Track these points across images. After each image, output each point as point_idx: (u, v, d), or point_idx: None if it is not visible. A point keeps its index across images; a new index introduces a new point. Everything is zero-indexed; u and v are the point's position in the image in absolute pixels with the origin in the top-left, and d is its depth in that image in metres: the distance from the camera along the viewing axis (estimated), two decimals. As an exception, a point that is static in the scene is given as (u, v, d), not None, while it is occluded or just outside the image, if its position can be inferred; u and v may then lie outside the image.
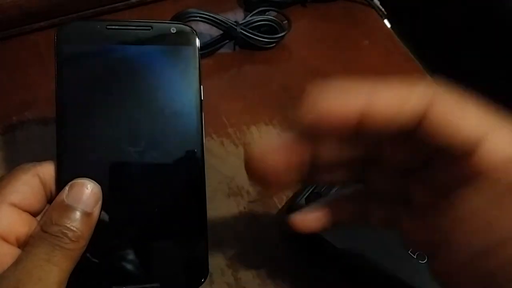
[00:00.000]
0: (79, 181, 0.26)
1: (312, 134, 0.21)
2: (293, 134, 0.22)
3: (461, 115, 0.20)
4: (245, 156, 0.23)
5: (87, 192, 0.26)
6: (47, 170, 0.27)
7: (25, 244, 0.25)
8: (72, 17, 0.46)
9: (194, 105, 0.28)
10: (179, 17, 0.43)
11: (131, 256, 0.27)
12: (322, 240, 0.32)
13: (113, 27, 0.28)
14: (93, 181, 0.26)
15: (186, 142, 0.28)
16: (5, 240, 0.25)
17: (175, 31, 0.29)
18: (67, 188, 0.26)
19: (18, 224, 0.25)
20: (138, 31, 0.28)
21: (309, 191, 0.34)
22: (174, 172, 0.28)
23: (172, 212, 0.28)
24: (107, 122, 0.28)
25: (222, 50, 0.46)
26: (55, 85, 0.27)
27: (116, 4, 0.47)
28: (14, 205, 0.25)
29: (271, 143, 0.22)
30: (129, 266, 0.27)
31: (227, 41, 0.46)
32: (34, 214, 0.27)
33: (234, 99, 0.44)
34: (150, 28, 0.28)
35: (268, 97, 0.44)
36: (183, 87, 0.29)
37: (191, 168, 0.28)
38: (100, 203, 0.26)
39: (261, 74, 0.46)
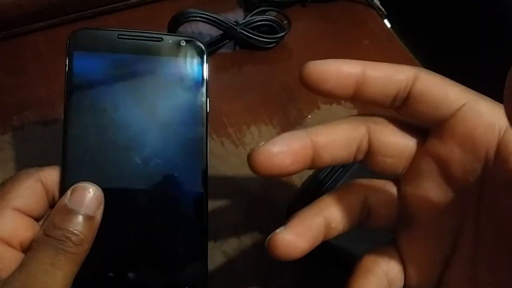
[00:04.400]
0: (81, 185, 0.26)
1: (316, 92, 0.23)
2: (295, 133, 0.23)
3: (444, 84, 0.22)
4: (250, 157, 0.23)
5: (89, 195, 0.26)
6: (50, 175, 0.27)
7: (28, 249, 0.25)
8: (72, 17, 0.46)
9: (200, 117, 0.29)
10: (179, 17, 0.43)
11: (131, 262, 0.27)
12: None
13: (124, 36, 0.29)
14: (95, 185, 0.26)
15: (190, 153, 0.28)
16: (9, 244, 0.25)
17: (184, 43, 0.29)
18: (69, 192, 0.26)
19: (21, 228, 0.25)
20: (148, 42, 0.29)
21: (310, 190, 0.34)
22: (177, 182, 0.28)
23: (174, 220, 0.28)
24: (114, 130, 0.28)
25: (222, 50, 0.46)
26: (65, 90, 0.28)
27: (116, 4, 0.47)
28: (18, 210, 0.25)
29: (275, 144, 0.23)
30: (128, 272, 0.27)
31: (227, 41, 0.46)
32: (36, 219, 0.27)
33: (234, 99, 0.44)
34: (160, 39, 0.29)
35: (268, 97, 0.44)
36: (190, 99, 0.29)
37: (194, 178, 0.28)
38: (102, 207, 0.26)
39: (261, 74, 0.46)
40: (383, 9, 0.51)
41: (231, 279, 0.34)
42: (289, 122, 0.43)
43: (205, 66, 0.29)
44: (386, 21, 0.52)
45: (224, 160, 0.40)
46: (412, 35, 0.53)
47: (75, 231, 0.25)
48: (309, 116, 0.43)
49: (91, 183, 0.26)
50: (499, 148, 0.20)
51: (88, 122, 0.28)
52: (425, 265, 0.24)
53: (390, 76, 0.22)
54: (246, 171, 0.40)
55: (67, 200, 0.25)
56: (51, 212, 0.26)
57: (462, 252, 0.22)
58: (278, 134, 0.42)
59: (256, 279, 0.34)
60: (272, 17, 0.46)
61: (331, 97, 0.23)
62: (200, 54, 0.29)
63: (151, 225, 0.28)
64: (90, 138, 0.27)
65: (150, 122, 0.28)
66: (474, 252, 0.22)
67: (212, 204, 0.37)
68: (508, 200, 0.20)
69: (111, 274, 0.27)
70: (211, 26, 0.44)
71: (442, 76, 0.22)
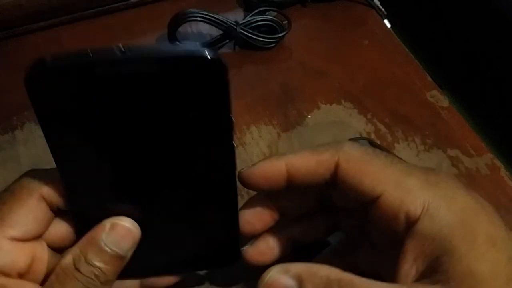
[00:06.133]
0: (121, 223, 0.25)
1: (257, 190, 0.28)
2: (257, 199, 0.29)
3: (362, 171, 0.25)
4: None
5: (126, 234, 0.25)
6: (53, 189, 0.25)
7: (28, 274, 0.25)
8: (72, 17, 0.46)
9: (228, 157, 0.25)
10: (179, 17, 0.43)
11: (162, 243, 0.27)
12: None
13: (105, 72, 0.20)
14: (134, 222, 0.25)
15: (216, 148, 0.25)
16: (7, 275, 0.24)
17: (194, 66, 0.21)
18: (107, 226, 0.24)
19: (20, 259, 0.24)
20: (142, 75, 0.20)
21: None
22: (204, 165, 0.25)
23: (203, 198, 0.27)
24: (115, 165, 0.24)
25: (222, 50, 0.46)
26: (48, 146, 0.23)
27: (116, 4, 0.47)
28: (16, 239, 0.24)
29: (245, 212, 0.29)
30: (162, 251, 0.27)
31: (227, 41, 0.46)
32: (39, 236, 0.25)
33: (234, 99, 0.43)
34: (160, 63, 0.21)
35: (268, 97, 0.44)
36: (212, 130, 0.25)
37: (221, 158, 0.25)
38: (135, 246, 0.25)
39: (261, 74, 0.46)
40: (383, 9, 0.51)
41: (230, 278, 0.34)
42: (289, 122, 0.43)
43: (228, 90, 0.22)
44: (386, 21, 0.51)
45: (224, 160, 0.40)
46: (412, 35, 0.53)
47: (105, 271, 0.24)
48: (309, 116, 0.43)
49: (130, 219, 0.25)
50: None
51: (87, 165, 0.24)
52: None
53: (311, 169, 0.26)
54: (246, 171, 0.40)
55: (104, 235, 0.24)
56: (83, 241, 0.25)
57: (366, 248, 0.28)
58: (278, 134, 0.43)
59: (256, 279, 0.34)
60: (272, 17, 0.46)
61: (274, 191, 0.28)
62: (220, 75, 0.21)
63: (181, 204, 0.26)
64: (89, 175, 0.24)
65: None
66: (372, 250, 0.28)
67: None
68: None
69: (143, 255, 0.26)
70: (211, 26, 0.44)
71: (362, 155, 0.26)
